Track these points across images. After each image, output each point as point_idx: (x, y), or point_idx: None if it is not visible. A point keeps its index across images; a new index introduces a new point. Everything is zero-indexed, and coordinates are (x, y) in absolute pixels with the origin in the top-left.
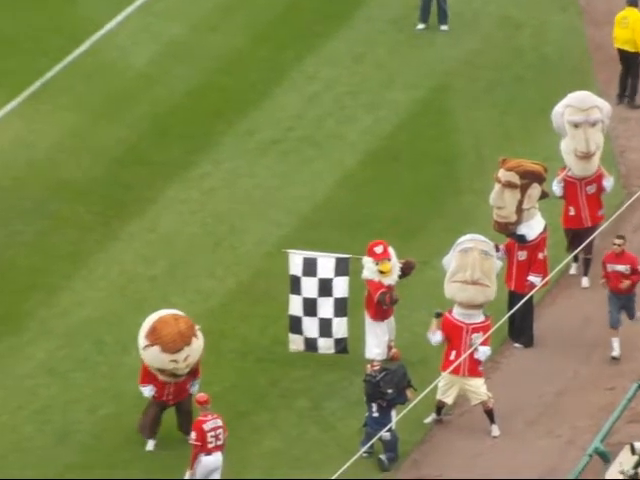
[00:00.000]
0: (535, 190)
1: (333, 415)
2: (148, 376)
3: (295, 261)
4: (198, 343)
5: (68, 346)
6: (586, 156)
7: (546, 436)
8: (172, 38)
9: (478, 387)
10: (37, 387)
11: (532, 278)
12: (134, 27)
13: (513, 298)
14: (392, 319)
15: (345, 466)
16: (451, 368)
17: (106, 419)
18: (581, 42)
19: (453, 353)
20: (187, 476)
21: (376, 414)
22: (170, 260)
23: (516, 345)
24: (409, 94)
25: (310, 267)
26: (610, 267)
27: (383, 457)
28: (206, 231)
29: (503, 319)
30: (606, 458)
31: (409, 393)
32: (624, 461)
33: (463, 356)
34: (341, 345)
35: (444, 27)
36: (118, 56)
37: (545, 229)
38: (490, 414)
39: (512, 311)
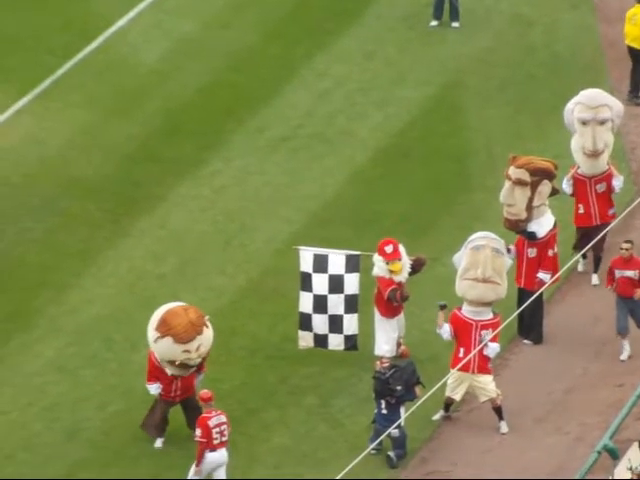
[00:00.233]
0: (545, 187)
1: (342, 412)
2: (155, 374)
3: (306, 258)
4: (209, 332)
5: (77, 343)
6: (593, 154)
7: (555, 433)
8: (183, 35)
9: (487, 384)
10: (46, 384)
11: (542, 275)
12: (145, 24)
13: (523, 295)
14: (402, 316)
15: (353, 463)
16: (460, 365)
17: (115, 416)
18: (594, 39)
19: (462, 350)
20: (192, 472)
21: (385, 411)
22: (180, 257)
23: (525, 342)
24: (420, 91)
25: (321, 264)
26: (619, 273)
27: (392, 454)
28: (216, 228)
29: (512, 316)
30: (615, 455)
31: (418, 390)
32: (633, 458)
33: (472, 352)
34: (351, 342)
35: (456, 24)
36: (129, 53)
37: (555, 226)
38: (499, 411)
39: (521, 308)
